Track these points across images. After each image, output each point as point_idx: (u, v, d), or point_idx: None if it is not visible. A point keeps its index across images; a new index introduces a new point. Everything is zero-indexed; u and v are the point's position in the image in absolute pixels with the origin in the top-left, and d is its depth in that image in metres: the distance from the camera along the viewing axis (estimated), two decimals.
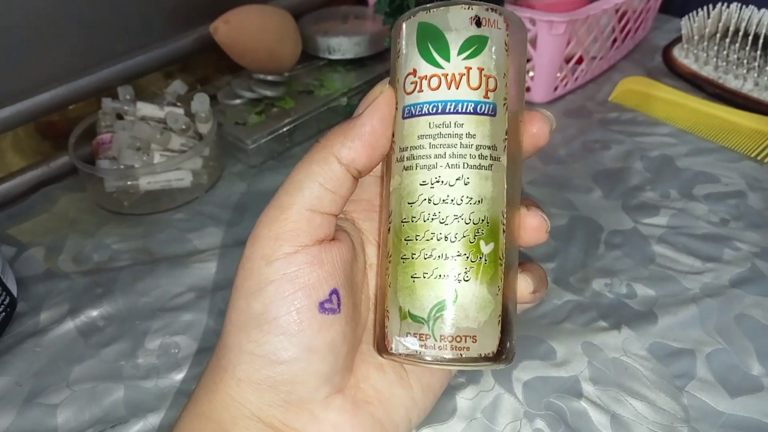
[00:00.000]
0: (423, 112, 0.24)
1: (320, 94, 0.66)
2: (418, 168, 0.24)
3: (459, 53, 0.24)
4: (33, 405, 0.39)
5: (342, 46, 0.70)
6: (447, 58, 0.24)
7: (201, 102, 0.57)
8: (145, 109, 0.58)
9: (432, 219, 0.24)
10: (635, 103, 0.68)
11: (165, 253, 0.51)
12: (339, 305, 0.25)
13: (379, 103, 0.25)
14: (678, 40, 0.74)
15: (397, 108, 0.25)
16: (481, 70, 0.24)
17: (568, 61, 0.67)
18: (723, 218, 0.51)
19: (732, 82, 0.67)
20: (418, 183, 0.24)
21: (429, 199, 0.24)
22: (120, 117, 0.59)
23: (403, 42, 0.25)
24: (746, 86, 0.66)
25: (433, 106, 0.24)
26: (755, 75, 0.65)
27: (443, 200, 0.23)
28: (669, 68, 0.72)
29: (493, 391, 0.38)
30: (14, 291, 0.46)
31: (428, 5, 0.25)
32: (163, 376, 0.41)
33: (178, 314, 0.45)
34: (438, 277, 0.23)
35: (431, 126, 0.24)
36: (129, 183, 0.54)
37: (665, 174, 0.57)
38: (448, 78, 0.24)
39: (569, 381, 0.39)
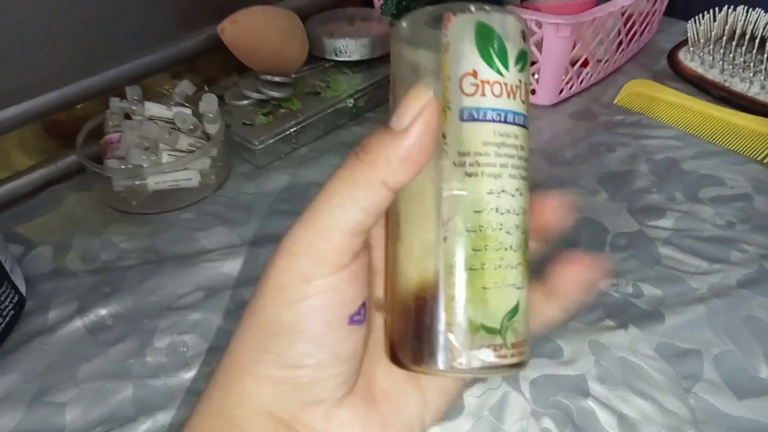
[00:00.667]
0: (487, 118, 0.24)
1: (327, 96, 0.66)
2: (484, 176, 0.24)
3: (515, 64, 0.24)
4: (41, 403, 0.40)
5: (348, 47, 0.70)
6: (507, 67, 0.24)
7: (209, 102, 0.57)
8: (153, 109, 0.58)
9: (500, 229, 0.24)
10: (641, 105, 0.68)
11: (172, 252, 0.51)
12: (365, 315, 0.25)
13: (428, 114, 0.22)
14: (684, 43, 0.74)
15: (449, 108, 0.24)
16: (526, 85, 0.25)
17: (573, 63, 0.67)
18: (729, 221, 0.51)
19: (738, 85, 0.67)
20: (485, 191, 0.24)
21: (496, 209, 0.24)
22: (128, 117, 0.59)
23: (455, 37, 0.24)
24: (752, 89, 0.66)
25: (498, 113, 0.24)
26: (761, 78, 0.65)
27: (507, 210, 0.24)
28: (675, 71, 0.73)
29: (501, 389, 0.38)
30: (23, 289, 0.46)
31: (484, 5, 0.24)
32: (171, 374, 0.41)
33: (187, 313, 0.45)
34: (507, 286, 0.24)
35: (495, 134, 0.24)
36: (137, 182, 0.54)
37: (671, 177, 0.57)
38: (508, 87, 0.24)
39: (576, 380, 0.39)
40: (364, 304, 0.25)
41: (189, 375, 0.41)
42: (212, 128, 0.57)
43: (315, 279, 0.24)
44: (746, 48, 0.67)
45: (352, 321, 0.24)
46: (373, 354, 0.28)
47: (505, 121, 0.24)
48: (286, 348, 0.24)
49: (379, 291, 0.28)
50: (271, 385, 0.25)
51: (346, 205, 0.23)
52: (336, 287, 0.24)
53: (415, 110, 0.23)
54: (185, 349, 0.42)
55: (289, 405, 0.25)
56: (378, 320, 0.28)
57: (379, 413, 0.27)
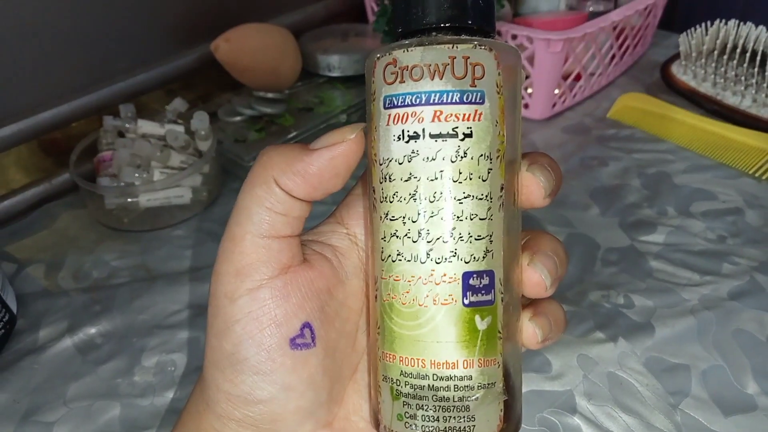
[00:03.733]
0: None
1: (320, 112, 0.66)
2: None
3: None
4: (30, 422, 0.40)
5: (342, 63, 0.71)
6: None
7: (201, 120, 0.57)
8: (146, 126, 0.58)
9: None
10: (633, 119, 0.68)
11: (163, 270, 0.51)
12: (313, 339, 0.23)
13: (336, 149, 0.23)
14: (676, 56, 0.74)
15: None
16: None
17: (566, 78, 0.68)
18: (720, 235, 0.51)
19: (730, 99, 0.67)
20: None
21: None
22: (121, 134, 0.59)
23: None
24: (744, 103, 0.66)
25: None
26: (753, 91, 0.65)
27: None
28: (667, 85, 0.73)
29: None
30: (14, 308, 0.46)
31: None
32: (159, 394, 0.41)
33: (175, 332, 0.45)
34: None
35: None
36: (129, 200, 0.55)
37: (663, 191, 0.57)
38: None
39: (564, 395, 0.39)
40: (307, 326, 0.23)
41: (176, 395, 0.41)
42: (204, 145, 0.58)
43: (239, 296, 0.23)
44: (738, 61, 0.67)
45: (294, 345, 0.23)
46: (360, 383, 0.26)
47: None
48: (235, 383, 0.23)
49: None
50: (234, 425, 0.24)
51: (251, 207, 0.23)
52: (262, 305, 0.23)
53: (329, 141, 0.23)
54: (173, 368, 0.42)
55: None
56: (364, 342, 0.26)
57: None
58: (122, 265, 0.52)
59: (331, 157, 0.23)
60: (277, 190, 0.23)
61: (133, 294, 0.49)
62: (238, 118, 0.65)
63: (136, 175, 0.54)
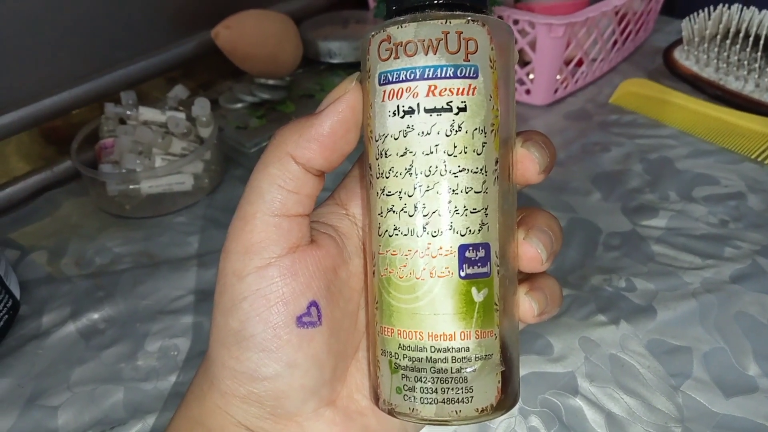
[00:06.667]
0: None
1: (321, 98, 0.66)
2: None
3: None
4: (34, 407, 0.40)
5: (342, 50, 0.71)
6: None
7: (202, 106, 0.57)
8: (147, 113, 0.58)
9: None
10: (636, 105, 0.68)
11: (166, 256, 0.51)
12: (319, 317, 0.24)
13: (341, 102, 0.23)
14: (679, 41, 0.74)
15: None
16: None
17: (568, 63, 0.67)
18: (722, 219, 0.51)
19: (733, 84, 0.67)
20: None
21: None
22: (123, 122, 0.59)
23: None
24: (747, 88, 0.65)
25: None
26: (756, 76, 0.65)
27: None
28: (670, 70, 0.72)
29: None
30: (17, 294, 0.47)
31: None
32: (162, 378, 0.41)
33: (178, 317, 0.45)
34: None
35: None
36: (131, 187, 0.55)
37: (665, 176, 0.57)
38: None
39: (566, 377, 0.39)
40: (314, 304, 0.24)
41: (179, 378, 0.41)
42: (205, 132, 0.58)
43: (247, 274, 0.23)
44: (741, 46, 0.67)
45: (301, 323, 0.23)
46: (361, 360, 0.27)
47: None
48: (241, 360, 0.23)
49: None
50: (238, 402, 0.24)
51: (263, 186, 0.23)
52: (270, 283, 0.23)
53: (332, 98, 0.23)
54: (176, 353, 0.43)
55: (261, 420, 0.24)
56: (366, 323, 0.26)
57: (363, 427, 0.26)
58: (125, 252, 0.52)
59: (339, 111, 0.23)
60: (292, 166, 0.23)
61: (136, 280, 0.49)
62: (239, 105, 0.65)
63: (138, 161, 0.54)
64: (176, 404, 0.38)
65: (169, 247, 0.52)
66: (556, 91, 0.69)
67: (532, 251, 0.24)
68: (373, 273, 0.23)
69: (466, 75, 0.21)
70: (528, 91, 0.68)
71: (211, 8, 0.68)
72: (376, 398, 0.24)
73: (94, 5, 0.62)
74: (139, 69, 0.67)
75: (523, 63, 0.68)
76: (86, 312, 0.46)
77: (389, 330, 0.23)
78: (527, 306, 0.24)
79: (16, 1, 0.56)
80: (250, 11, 0.63)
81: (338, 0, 0.85)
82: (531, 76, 0.67)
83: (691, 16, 0.70)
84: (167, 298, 0.47)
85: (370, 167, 0.23)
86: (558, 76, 0.67)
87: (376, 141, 0.22)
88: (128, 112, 0.59)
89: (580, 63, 0.69)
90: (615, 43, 0.72)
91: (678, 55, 0.73)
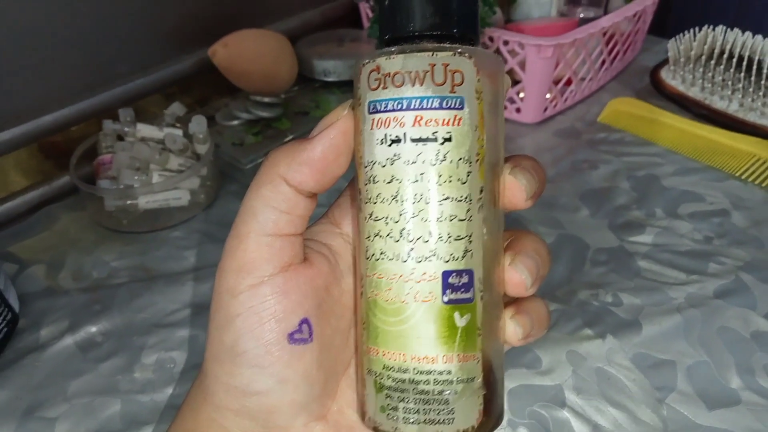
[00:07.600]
0: None
1: (316, 115, 0.68)
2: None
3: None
4: (32, 418, 0.40)
5: (337, 68, 0.72)
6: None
7: (198, 124, 0.58)
8: (145, 130, 0.59)
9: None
10: (623, 123, 0.69)
11: (162, 270, 0.52)
12: (311, 334, 0.24)
13: (334, 128, 0.23)
14: (666, 61, 0.76)
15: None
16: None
17: (557, 82, 0.69)
18: (707, 236, 0.52)
19: (718, 103, 0.68)
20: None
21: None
22: (121, 138, 0.60)
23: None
24: (732, 107, 0.67)
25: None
26: (740, 96, 0.67)
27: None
28: (657, 89, 0.74)
29: None
30: (16, 307, 0.47)
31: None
32: (158, 390, 0.42)
33: (174, 330, 0.46)
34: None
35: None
36: (128, 202, 0.56)
37: (651, 193, 0.58)
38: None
39: (553, 390, 0.40)
40: (305, 321, 0.24)
41: (175, 391, 0.42)
42: (202, 148, 0.59)
43: (240, 292, 0.24)
44: (725, 67, 0.68)
45: (292, 340, 0.24)
46: (352, 377, 0.27)
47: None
48: (234, 375, 0.24)
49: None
50: (232, 415, 0.25)
51: (256, 206, 0.24)
52: (262, 301, 0.23)
53: (325, 124, 0.24)
54: (172, 365, 0.43)
55: None
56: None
57: None
58: (122, 266, 0.53)
59: (331, 137, 0.23)
60: (284, 188, 0.23)
61: (133, 293, 0.50)
62: (235, 122, 0.67)
63: (135, 177, 0.55)
64: (172, 416, 0.39)
65: (165, 262, 0.53)
66: (545, 109, 0.70)
67: (517, 277, 0.24)
68: (361, 294, 0.24)
69: (452, 106, 0.22)
70: (518, 110, 0.70)
71: (207, 27, 0.69)
72: (362, 415, 0.25)
73: (93, 23, 0.63)
74: (137, 86, 0.68)
75: (514, 82, 0.69)
76: (84, 325, 0.47)
77: (375, 350, 0.23)
78: (512, 330, 0.25)
79: (15, 19, 0.57)
80: (246, 30, 0.64)
81: (333, 19, 0.86)
82: (521, 95, 0.69)
83: (677, 36, 0.71)
84: (163, 312, 0.48)
85: (359, 192, 0.24)
86: (547, 95, 0.69)
87: (365, 167, 0.23)
88: (126, 129, 0.60)
89: (569, 82, 0.70)
90: (603, 63, 0.73)
91: (665, 74, 0.75)
